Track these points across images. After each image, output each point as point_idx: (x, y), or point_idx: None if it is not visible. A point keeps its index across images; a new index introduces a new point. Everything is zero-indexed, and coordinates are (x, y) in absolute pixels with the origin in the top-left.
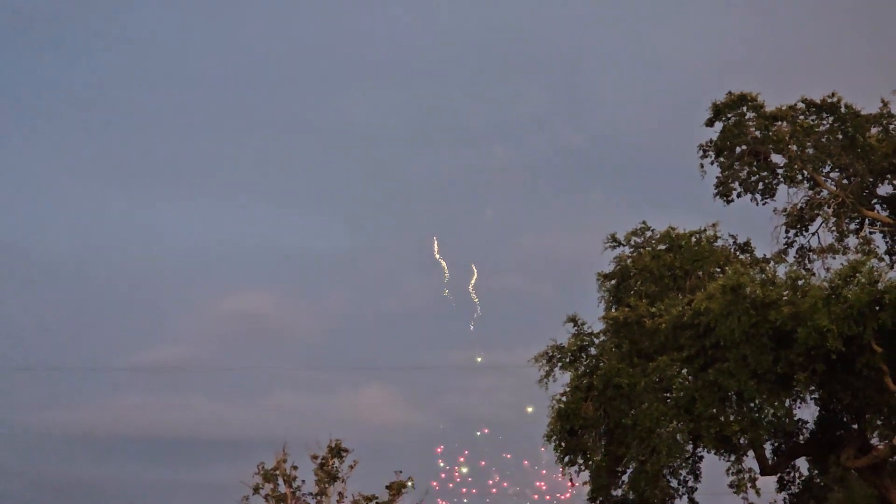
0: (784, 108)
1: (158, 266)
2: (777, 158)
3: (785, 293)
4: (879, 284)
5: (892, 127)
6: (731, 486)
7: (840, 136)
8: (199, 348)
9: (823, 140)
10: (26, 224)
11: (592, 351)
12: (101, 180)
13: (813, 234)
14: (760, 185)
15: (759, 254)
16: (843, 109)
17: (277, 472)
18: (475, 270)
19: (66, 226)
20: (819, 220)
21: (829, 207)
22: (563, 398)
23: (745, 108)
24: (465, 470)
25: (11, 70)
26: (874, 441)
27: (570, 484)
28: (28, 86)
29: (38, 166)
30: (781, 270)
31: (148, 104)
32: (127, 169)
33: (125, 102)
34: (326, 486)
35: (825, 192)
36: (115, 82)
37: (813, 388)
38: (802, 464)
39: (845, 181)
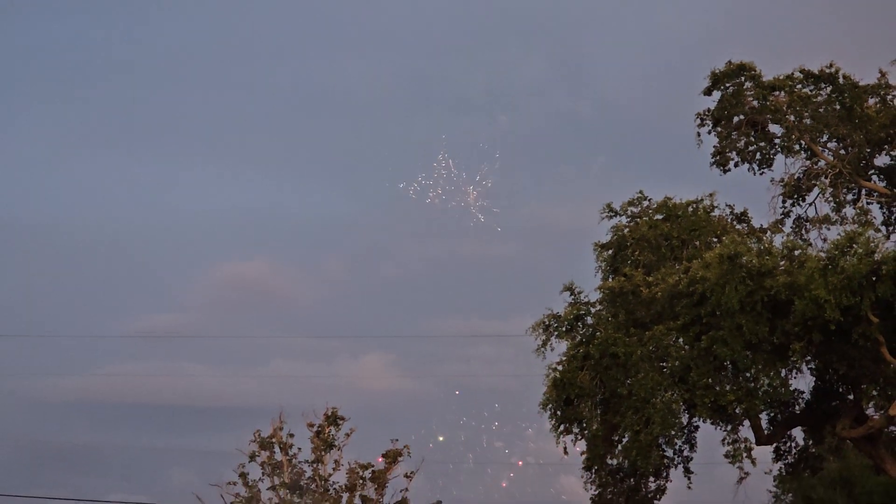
0: (782, 77)
1: (155, 233)
2: (775, 128)
3: (781, 263)
4: (876, 255)
5: (889, 97)
6: (727, 456)
7: (838, 107)
8: (196, 315)
9: (821, 110)
10: (19, 191)
11: (589, 320)
12: (96, 147)
13: (810, 204)
14: (758, 155)
15: (755, 224)
16: (841, 80)
17: (274, 440)
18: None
19: (59, 193)
20: (816, 190)
21: (826, 178)
22: (560, 367)
23: (743, 78)
24: (462, 438)
25: None
26: (870, 411)
27: (563, 453)
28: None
29: (29, 133)
30: (778, 240)
31: (144, 70)
32: (122, 135)
33: (119, 68)
34: (323, 453)
35: (822, 163)
36: (107, 46)
37: (809, 358)
38: (798, 434)
39: (843, 151)
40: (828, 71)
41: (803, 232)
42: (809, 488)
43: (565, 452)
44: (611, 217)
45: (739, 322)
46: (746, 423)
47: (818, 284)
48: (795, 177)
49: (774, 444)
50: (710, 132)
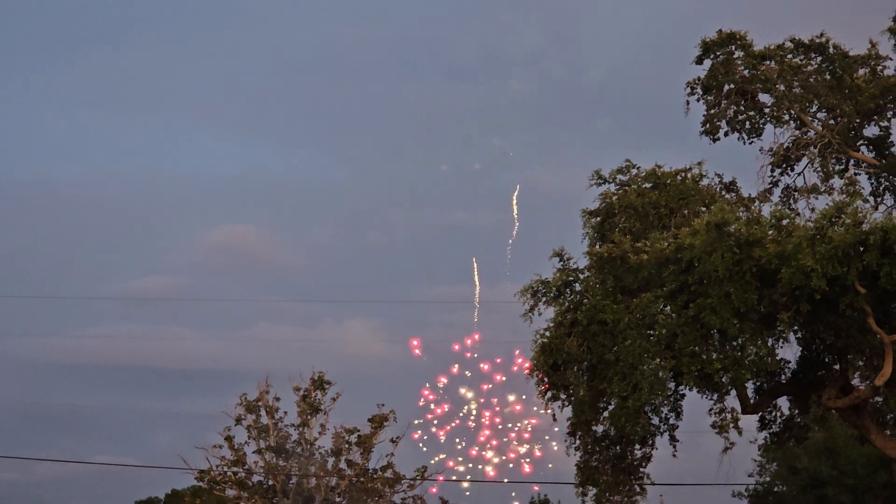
0: (773, 47)
1: (143, 197)
2: (764, 98)
3: (770, 232)
4: (864, 225)
5: (879, 68)
6: (713, 426)
7: (828, 77)
8: (183, 279)
9: (811, 80)
10: (6, 151)
11: (577, 287)
12: (88, 110)
13: (798, 174)
14: (747, 124)
15: (744, 193)
16: (831, 50)
17: (260, 404)
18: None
19: (46, 155)
20: (805, 160)
21: (815, 148)
22: (547, 333)
23: (733, 47)
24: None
25: None
26: (855, 381)
27: (553, 420)
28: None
29: (29, 95)
30: (766, 210)
31: (141, 34)
32: (117, 99)
33: (118, 31)
34: (309, 417)
35: (812, 133)
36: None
37: (796, 327)
38: (784, 403)
39: (832, 122)
40: (818, 41)
41: (791, 201)
42: (794, 458)
43: (554, 419)
44: (599, 184)
45: (727, 290)
46: (732, 392)
47: (806, 254)
48: (784, 146)
49: (760, 414)
50: (699, 100)
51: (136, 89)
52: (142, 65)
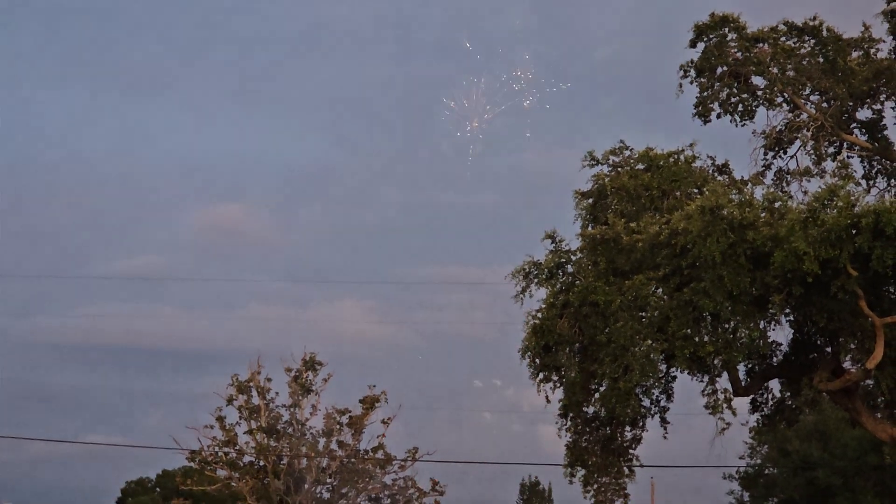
0: (766, 30)
1: (136, 175)
2: (757, 80)
3: (762, 215)
4: (856, 208)
5: (872, 51)
6: (706, 407)
7: (821, 60)
8: (174, 259)
9: (804, 63)
10: (6, 132)
11: (569, 268)
12: (82, 90)
13: (791, 156)
14: (740, 107)
15: (736, 176)
16: (824, 33)
17: (251, 384)
18: None
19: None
20: (798, 143)
21: (807, 130)
22: (539, 314)
23: (727, 30)
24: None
25: None
26: (847, 364)
27: (546, 401)
28: None
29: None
30: (759, 193)
31: (130, 12)
32: (105, 77)
33: (107, 8)
34: (300, 398)
35: (804, 115)
36: None
37: (788, 310)
38: (775, 386)
39: (825, 104)
40: (811, 24)
41: (784, 184)
42: (785, 440)
43: (547, 400)
44: (592, 166)
45: (721, 273)
46: (724, 374)
47: (798, 237)
48: (777, 129)
49: (751, 396)
50: (692, 82)
51: (126, 68)
52: (132, 43)
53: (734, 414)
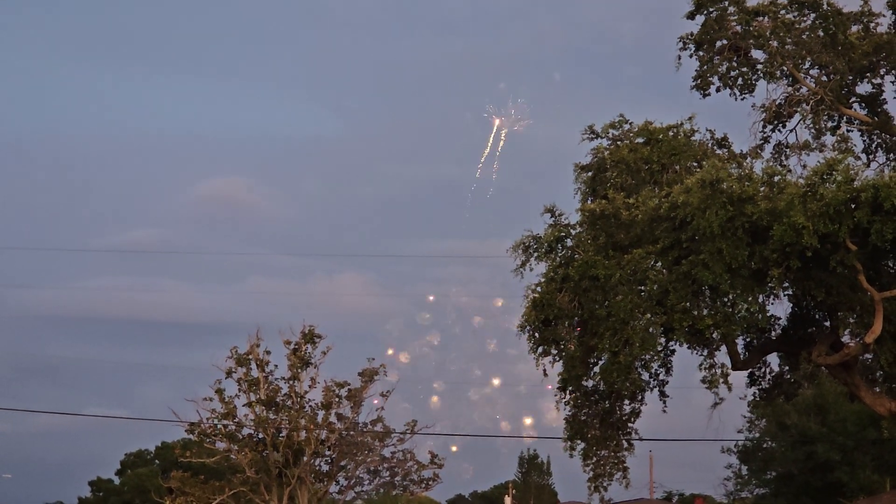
0: (766, 3)
1: (135, 147)
2: (757, 54)
3: (762, 189)
4: (856, 182)
5: (872, 25)
6: (703, 381)
7: (821, 34)
8: (174, 232)
9: (804, 37)
10: (8, 105)
11: (569, 242)
12: (80, 63)
13: (790, 130)
14: (739, 80)
15: (736, 149)
16: (825, 6)
17: (250, 357)
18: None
19: (39, 107)
20: (797, 116)
21: (807, 104)
22: (539, 288)
23: (727, 3)
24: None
25: None
26: (845, 339)
27: (543, 375)
28: None
29: (21, 47)
30: (758, 166)
31: None
32: (104, 49)
33: None
34: (299, 371)
35: (804, 89)
36: None
37: (787, 284)
38: (773, 360)
39: (824, 78)
40: None
41: (783, 158)
42: (783, 414)
43: (545, 374)
44: (592, 139)
45: (720, 246)
46: (723, 348)
47: (797, 211)
48: (776, 103)
49: (749, 370)
50: (691, 56)
51: (127, 42)
52: (133, 18)
53: (729, 389)
